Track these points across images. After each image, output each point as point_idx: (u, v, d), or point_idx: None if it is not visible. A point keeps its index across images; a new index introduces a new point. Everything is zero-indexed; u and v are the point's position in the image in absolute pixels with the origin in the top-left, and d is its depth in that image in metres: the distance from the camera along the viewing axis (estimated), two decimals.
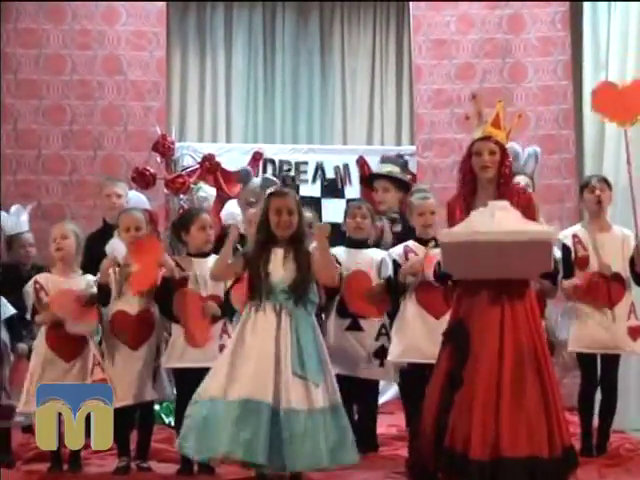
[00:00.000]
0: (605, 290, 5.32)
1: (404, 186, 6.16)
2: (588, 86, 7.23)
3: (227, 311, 4.99)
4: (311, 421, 4.27)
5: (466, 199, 4.70)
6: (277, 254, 4.49)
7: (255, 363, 4.31)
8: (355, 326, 5.37)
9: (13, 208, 6.07)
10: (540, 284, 5.11)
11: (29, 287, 5.03)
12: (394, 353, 5.28)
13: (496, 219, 4.45)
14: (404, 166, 6.38)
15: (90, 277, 5.08)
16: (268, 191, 6.03)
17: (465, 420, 4.38)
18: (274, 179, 6.54)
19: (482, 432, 4.33)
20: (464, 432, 4.37)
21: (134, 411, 5.08)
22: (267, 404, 4.24)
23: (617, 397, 5.44)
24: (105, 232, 5.66)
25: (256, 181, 6.12)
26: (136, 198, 6.43)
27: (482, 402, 4.37)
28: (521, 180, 5.94)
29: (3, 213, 5.98)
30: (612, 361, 5.42)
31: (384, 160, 6.46)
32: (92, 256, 5.23)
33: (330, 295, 5.28)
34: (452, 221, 4.70)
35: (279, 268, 4.46)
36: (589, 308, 5.34)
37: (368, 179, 6.18)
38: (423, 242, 5.30)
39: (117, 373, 4.93)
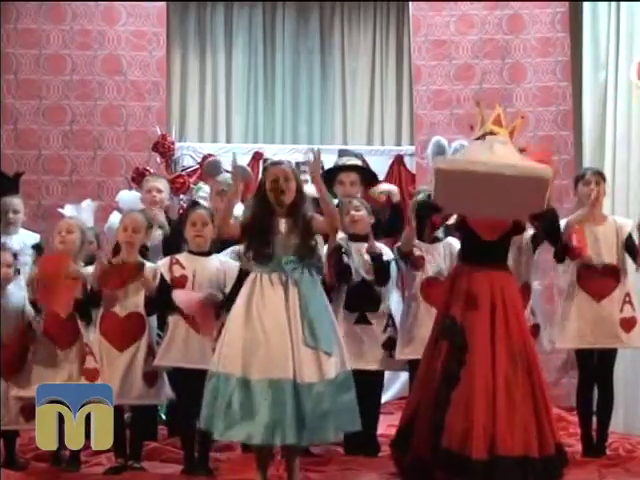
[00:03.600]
0: (595, 282, 5.31)
1: (370, 179, 6.08)
2: (587, 87, 7.23)
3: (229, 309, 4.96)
4: (322, 394, 4.26)
5: None
6: (279, 225, 4.47)
7: (271, 339, 4.28)
8: (363, 319, 5.39)
9: (83, 203, 6.06)
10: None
11: (32, 273, 5.11)
12: (402, 350, 5.33)
13: (495, 152, 4.40)
14: (363, 161, 6.28)
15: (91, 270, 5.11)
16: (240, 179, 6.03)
17: (462, 419, 4.40)
18: (245, 167, 6.38)
19: (482, 432, 4.35)
20: (461, 431, 4.39)
21: (122, 412, 5.06)
22: (289, 380, 4.24)
23: (613, 394, 5.45)
24: None
25: (227, 173, 5.94)
26: (135, 198, 6.42)
27: (481, 402, 4.39)
28: None
29: (70, 207, 5.99)
30: (606, 357, 5.42)
31: (344, 154, 6.35)
32: None
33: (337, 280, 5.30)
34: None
35: (282, 239, 4.44)
36: (577, 303, 5.32)
37: (331, 171, 5.99)
38: (424, 240, 5.35)
39: (103, 373, 4.92)
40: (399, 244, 5.41)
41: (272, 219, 4.47)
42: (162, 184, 6.13)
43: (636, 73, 5.73)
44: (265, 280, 4.41)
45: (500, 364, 4.45)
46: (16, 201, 5.94)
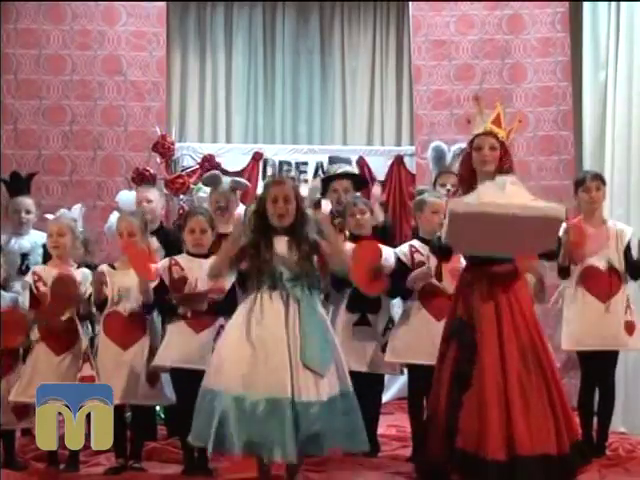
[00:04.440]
0: (601, 283, 5.32)
1: (362, 185, 6.11)
2: (587, 87, 7.24)
3: (227, 310, 4.89)
4: (319, 411, 4.23)
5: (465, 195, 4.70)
6: (279, 242, 4.43)
7: (271, 357, 4.25)
8: (363, 321, 5.38)
9: (74, 207, 6.08)
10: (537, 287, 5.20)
11: (28, 278, 5.12)
12: (394, 353, 5.29)
13: (507, 192, 4.43)
14: (363, 161, 6.29)
15: (86, 270, 5.14)
16: (237, 193, 6.06)
17: (476, 420, 4.38)
18: (244, 181, 6.40)
19: (497, 432, 4.33)
20: (475, 432, 4.37)
21: (123, 412, 5.07)
22: (287, 399, 4.20)
23: (614, 396, 5.45)
24: None
25: (225, 184, 5.94)
26: (134, 199, 6.42)
27: (494, 402, 4.37)
28: (447, 181, 5.96)
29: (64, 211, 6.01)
30: (608, 359, 5.41)
31: (334, 161, 6.36)
32: None
33: (339, 289, 5.28)
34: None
35: (283, 257, 4.41)
36: (583, 304, 5.33)
37: (325, 181, 6.04)
38: (427, 242, 5.33)
39: (106, 372, 4.93)
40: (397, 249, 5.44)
41: (271, 236, 4.44)
42: (152, 194, 6.11)
43: None
44: (265, 298, 4.37)
45: (511, 361, 4.42)
46: (29, 201, 6.10)
